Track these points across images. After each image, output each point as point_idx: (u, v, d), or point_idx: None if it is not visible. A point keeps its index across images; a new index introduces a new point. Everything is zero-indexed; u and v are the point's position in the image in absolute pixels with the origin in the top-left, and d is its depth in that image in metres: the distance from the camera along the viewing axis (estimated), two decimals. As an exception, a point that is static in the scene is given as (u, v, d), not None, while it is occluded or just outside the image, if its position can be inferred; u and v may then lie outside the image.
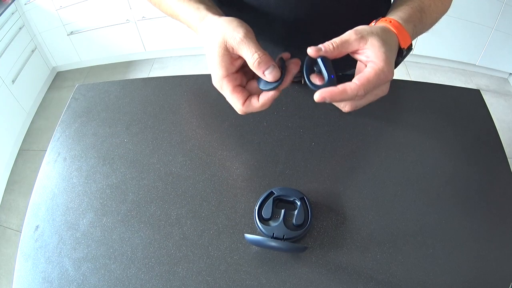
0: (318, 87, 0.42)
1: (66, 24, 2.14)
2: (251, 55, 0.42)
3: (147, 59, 2.45)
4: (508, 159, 0.60)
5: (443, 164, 0.59)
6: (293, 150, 0.61)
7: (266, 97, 0.44)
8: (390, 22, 0.48)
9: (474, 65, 2.14)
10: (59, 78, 2.40)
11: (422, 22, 0.51)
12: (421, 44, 2.11)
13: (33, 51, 2.11)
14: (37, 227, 0.54)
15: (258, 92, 0.46)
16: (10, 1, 1.89)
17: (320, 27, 0.60)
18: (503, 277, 0.48)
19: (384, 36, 0.44)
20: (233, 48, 0.43)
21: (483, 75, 2.21)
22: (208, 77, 0.73)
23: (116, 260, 0.50)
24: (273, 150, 0.62)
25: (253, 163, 0.60)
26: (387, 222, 0.53)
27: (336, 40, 0.43)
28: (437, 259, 0.50)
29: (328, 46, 0.43)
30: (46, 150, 0.64)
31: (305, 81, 0.44)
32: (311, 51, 0.43)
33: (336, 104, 0.46)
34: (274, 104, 0.68)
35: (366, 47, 0.43)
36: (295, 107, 0.68)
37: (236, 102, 0.44)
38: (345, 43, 0.43)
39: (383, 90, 0.45)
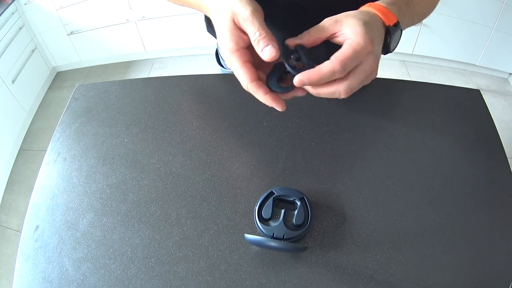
0: (298, 71, 0.42)
1: (66, 24, 2.14)
2: (253, 33, 0.42)
3: (147, 59, 2.45)
4: (508, 159, 0.60)
5: (443, 164, 0.59)
6: (293, 150, 0.61)
7: (272, 101, 0.43)
8: (370, 5, 0.48)
9: (474, 65, 2.14)
10: (59, 78, 2.40)
11: (409, 8, 0.51)
12: (421, 44, 2.11)
13: (33, 51, 2.11)
14: (37, 227, 0.54)
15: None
16: (10, 1, 1.89)
17: (323, 11, 0.60)
18: (503, 277, 0.48)
19: (361, 16, 0.44)
20: (240, 24, 0.43)
21: (483, 75, 2.21)
22: (208, 77, 0.73)
23: (116, 260, 0.50)
24: (273, 150, 0.62)
25: (253, 163, 0.60)
26: (387, 222, 0.53)
27: (314, 29, 0.45)
28: (437, 259, 0.50)
29: (303, 34, 0.45)
30: (46, 150, 0.64)
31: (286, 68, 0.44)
32: (290, 42, 0.45)
33: (331, 94, 0.44)
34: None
35: (342, 28, 0.43)
36: (295, 107, 0.68)
37: (244, 76, 0.43)
38: (320, 28, 0.44)
39: (371, 65, 0.44)
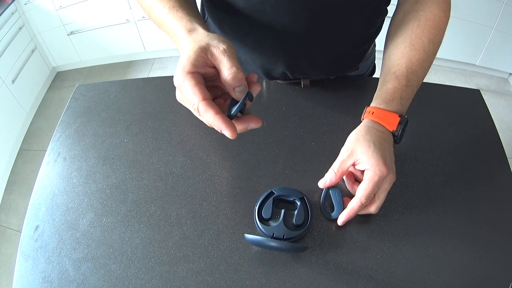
0: (330, 216, 0.53)
1: (66, 24, 2.14)
2: (229, 67, 0.41)
3: (147, 59, 2.45)
4: (508, 159, 0.60)
5: (443, 164, 0.59)
6: (293, 150, 0.61)
7: (223, 122, 0.39)
8: (372, 113, 0.54)
9: (474, 65, 2.14)
10: (59, 78, 2.40)
11: (410, 85, 0.55)
12: (421, 44, 2.10)
13: (33, 51, 2.11)
14: (37, 227, 0.54)
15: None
16: (10, 1, 1.89)
17: (317, 33, 0.60)
18: (503, 277, 0.48)
19: (368, 137, 0.51)
20: (212, 55, 0.41)
21: (483, 75, 2.21)
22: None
23: (116, 260, 0.50)
24: (273, 150, 0.62)
25: (253, 163, 0.60)
26: (387, 222, 0.53)
27: (337, 165, 0.52)
28: (437, 259, 0.50)
29: (331, 174, 0.52)
30: (46, 150, 0.64)
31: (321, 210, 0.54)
32: (321, 185, 0.53)
33: (364, 212, 0.52)
34: (274, 104, 0.68)
35: (358, 157, 0.50)
36: (295, 107, 0.68)
37: (195, 94, 0.40)
38: (342, 163, 0.52)
39: (390, 181, 0.51)
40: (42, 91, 2.25)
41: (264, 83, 0.72)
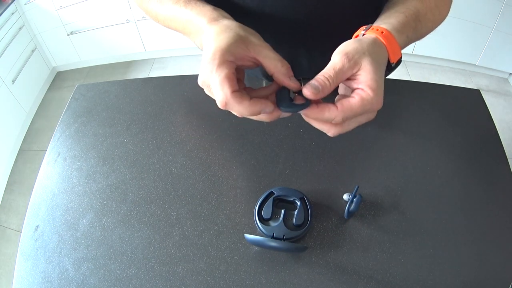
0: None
1: (66, 24, 2.14)
2: (280, 59, 0.40)
3: (147, 59, 2.45)
4: (508, 159, 0.60)
5: (443, 164, 0.59)
6: (293, 150, 0.61)
7: (261, 104, 0.39)
8: (382, 33, 0.44)
9: (474, 65, 2.14)
10: (59, 78, 2.40)
11: (416, 32, 0.50)
12: (421, 44, 2.10)
13: (33, 51, 2.11)
14: (37, 227, 0.54)
15: None
16: (10, 1, 1.89)
17: (318, 26, 0.60)
18: (503, 277, 0.48)
19: (375, 55, 0.41)
20: (254, 48, 0.40)
21: (483, 75, 2.21)
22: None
23: (116, 260, 0.50)
24: (273, 150, 0.62)
25: (253, 163, 0.60)
26: (387, 222, 0.53)
27: (330, 74, 0.40)
28: (437, 259, 0.50)
29: (324, 83, 0.40)
30: (46, 150, 0.64)
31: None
32: (308, 93, 0.39)
33: (319, 128, 0.43)
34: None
35: (359, 73, 0.40)
36: (295, 107, 0.67)
37: (227, 88, 0.37)
38: (339, 73, 0.40)
39: (368, 117, 0.42)
40: (42, 91, 2.25)
41: (264, 84, 0.72)
